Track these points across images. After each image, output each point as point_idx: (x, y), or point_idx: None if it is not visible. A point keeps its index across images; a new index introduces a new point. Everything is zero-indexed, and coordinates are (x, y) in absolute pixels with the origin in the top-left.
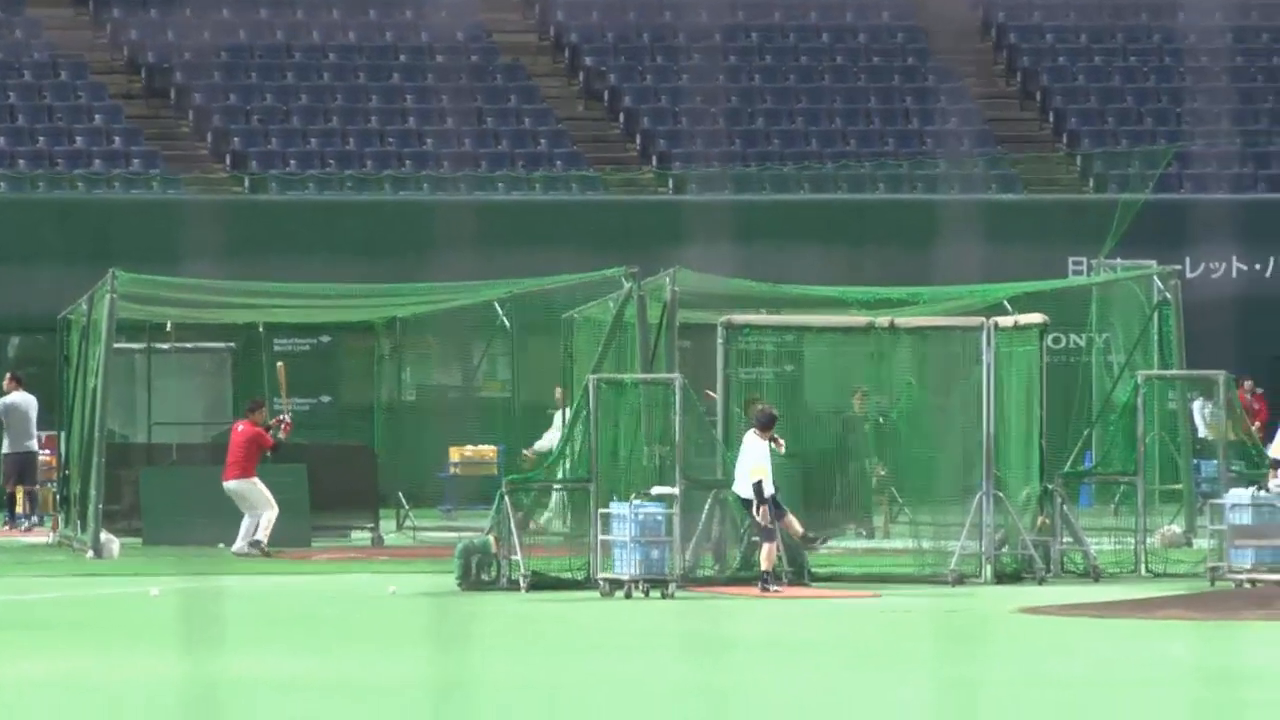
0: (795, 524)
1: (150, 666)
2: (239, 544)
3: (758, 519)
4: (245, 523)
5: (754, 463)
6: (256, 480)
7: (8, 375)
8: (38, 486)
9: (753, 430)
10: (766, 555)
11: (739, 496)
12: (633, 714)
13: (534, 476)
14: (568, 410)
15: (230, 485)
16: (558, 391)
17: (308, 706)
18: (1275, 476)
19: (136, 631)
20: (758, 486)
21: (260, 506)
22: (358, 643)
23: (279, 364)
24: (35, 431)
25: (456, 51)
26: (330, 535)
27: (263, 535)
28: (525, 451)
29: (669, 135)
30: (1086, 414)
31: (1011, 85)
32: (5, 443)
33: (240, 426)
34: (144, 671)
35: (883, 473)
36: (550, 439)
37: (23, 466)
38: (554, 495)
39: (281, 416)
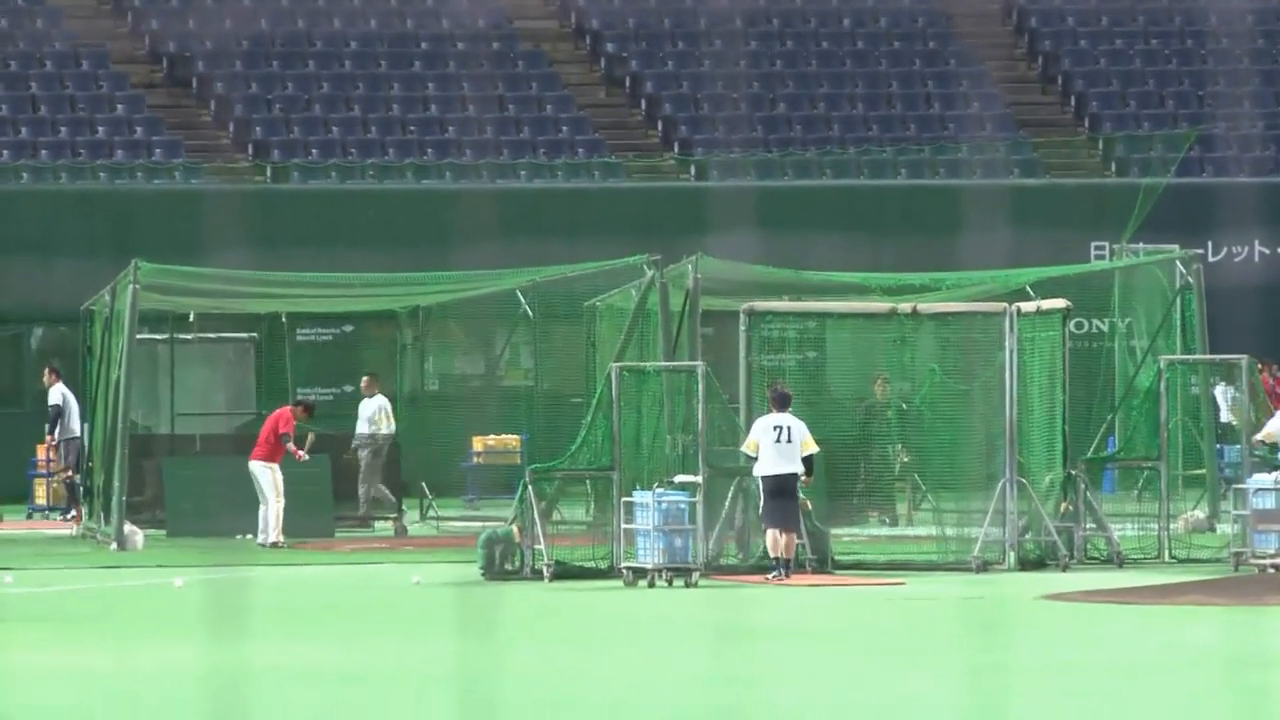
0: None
1: (174, 658)
2: (260, 535)
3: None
4: (262, 512)
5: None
6: (275, 468)
7: (48, 369)
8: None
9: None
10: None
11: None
12: (656, 703)
13: (557, 465)
14: (380, 399)
15: (252, 465)
16: (364, 380)
17: (332, 696)
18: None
19: (160, 623)
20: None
21: (268, 492)
22: (382, 633)
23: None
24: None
25: (477, 39)
26: (354, 525)
27: (274, 534)
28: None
29: (690, 121)
30: (1109, 399)
31: (1033, 69)
32: (71, 429)
33: (278, 410)
34: (167, 663)
35: (905, 459)
36: (361, 431)
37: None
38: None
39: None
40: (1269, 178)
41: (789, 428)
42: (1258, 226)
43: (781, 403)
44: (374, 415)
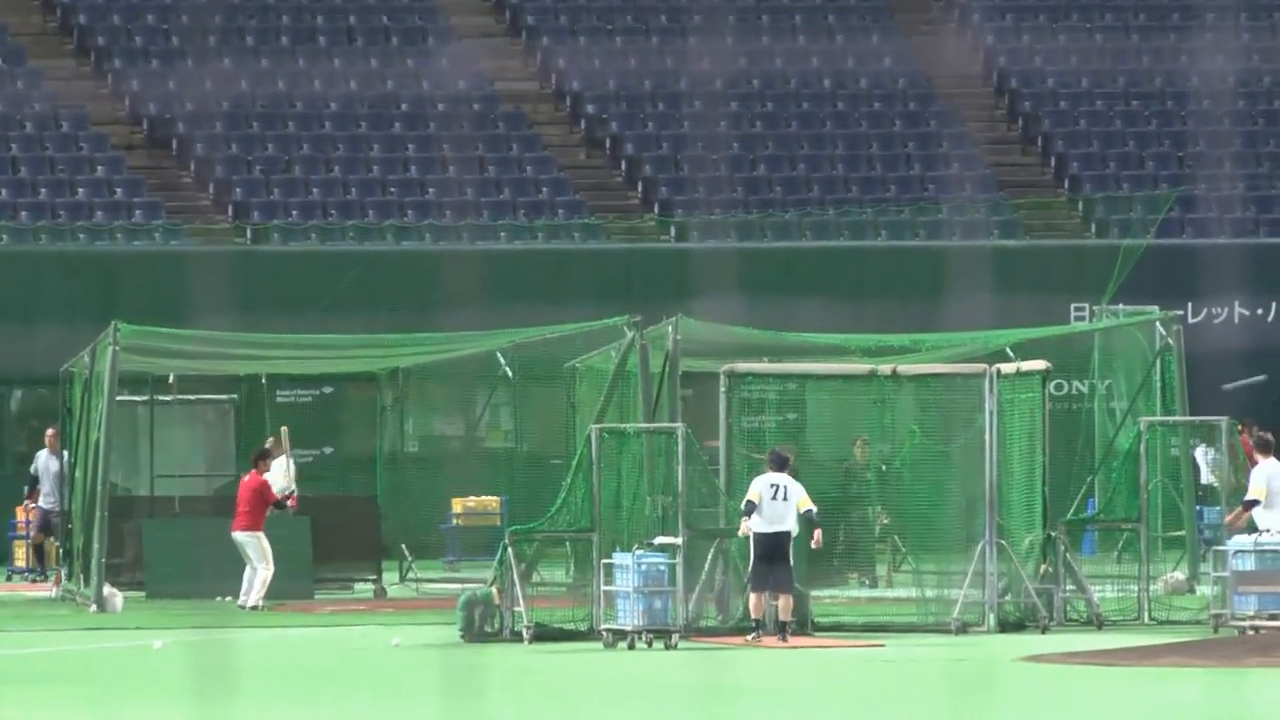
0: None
1: (155, 719)
2: (242, 597)
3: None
4: (248, 574)
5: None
6: (261, 535)
7: (50, 432)
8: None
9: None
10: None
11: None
12: None
13: (537, 527)
14: (288, 457)
15: (236, 535)
16: (283, 430)
17: None
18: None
19: (141, 685)
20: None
21: (257, 561)
22: (361, 695)
23: (283, 428)
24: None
25: (458, 100)
26: (333, 587)
27: (256, 599)
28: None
29: (671, 183)
30: (1089, 461)
31: (1013, 130)
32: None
33: (247, 477)
34: None
35: (885, 521)
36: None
37: (48, 521)
38: None
39: (290, 491)
40: (1248, 239)
41: (785, 486)
42: (1237, 288)
43: (779, 464)
44: (275, 473)
